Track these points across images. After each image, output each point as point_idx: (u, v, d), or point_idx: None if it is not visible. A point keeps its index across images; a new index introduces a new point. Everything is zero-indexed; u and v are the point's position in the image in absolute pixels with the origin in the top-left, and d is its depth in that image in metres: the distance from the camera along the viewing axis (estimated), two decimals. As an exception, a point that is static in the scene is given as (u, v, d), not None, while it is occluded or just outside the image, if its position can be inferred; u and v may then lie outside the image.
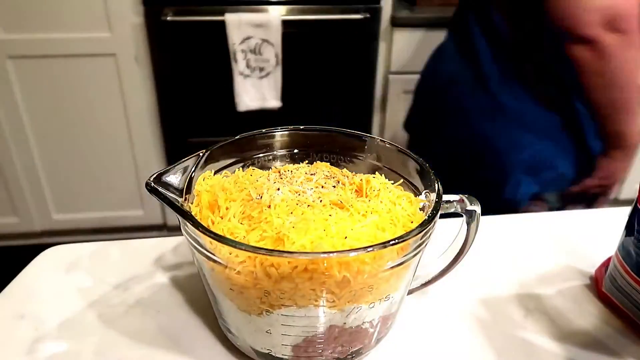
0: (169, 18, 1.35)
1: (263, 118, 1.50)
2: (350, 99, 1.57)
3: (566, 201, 0.88)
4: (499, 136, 0.85)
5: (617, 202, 1.40)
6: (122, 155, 1.59)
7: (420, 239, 0.32)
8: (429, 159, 0.39)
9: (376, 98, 1.59)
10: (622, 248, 0.41)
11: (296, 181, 0.37)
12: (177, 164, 0.36)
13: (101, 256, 0.48)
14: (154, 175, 0.35)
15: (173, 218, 1.70)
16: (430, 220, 0.32)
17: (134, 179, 1.64)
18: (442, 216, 0.35)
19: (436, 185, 0.36)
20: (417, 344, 0.40)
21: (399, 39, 1.50)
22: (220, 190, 0.36)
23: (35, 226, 1.67)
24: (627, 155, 0.81)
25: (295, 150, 0.44)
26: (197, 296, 0.43)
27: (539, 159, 0.85)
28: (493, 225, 0.54)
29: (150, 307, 0.42)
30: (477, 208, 0.37)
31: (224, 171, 0.41)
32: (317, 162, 0.43)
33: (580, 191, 0.86)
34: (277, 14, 1.39)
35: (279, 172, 0.39)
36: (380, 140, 0.42)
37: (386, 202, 0.36)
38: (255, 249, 0.29)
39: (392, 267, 0.31)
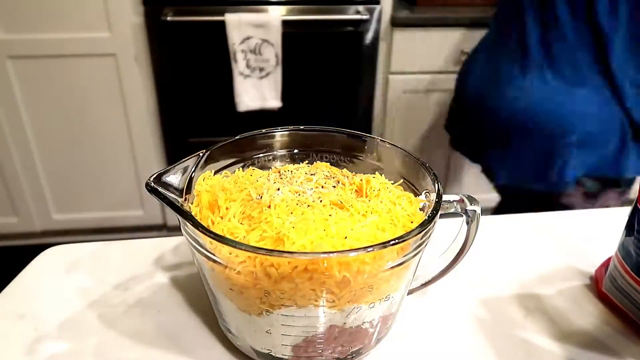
0: (169, 18, 1.35)
1: (263, 118, 1.50)
2: (350, 99, 1.57)
3: (605, 185, 0.93)
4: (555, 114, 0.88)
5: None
6: (122, 155, 1.59)
7: (420, 239, 0.32)
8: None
9: (376, 98, 1.59)
10: (622, 248, 0.41)
11: (296, 181, 0.37)
12: (177, 164, 0.36)
13: (101, 256, 0.48)
14: (154, 175, 0.35)
15: (173, 218, 1.70)
16: (430, 220, 0.32)
17: (134, 179, 1.64)
18: (442, 216, 0.36)
19: (436, 185, 0.36)
20: (417, 344, 0.40)
21: (399, 39, 1.50)
22: (220, 190, 0.36)
23: (35, 226, 1.67)
24: None
25: (295, 150, 0.44)
26: (197, 296, 0.43)
27: (590, 140, 0.88)
28: (493, 225, 0.54)
29: (150, 307, 0.42)
30: (477, 208, 0.37)
31: (224, 171, 0.41)
32: (317, 162, 0.43)
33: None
34: (277, 14, 1.39)
35: (279, 172, 0.39)
36: (380, 140, 0.42)
37: (386, 202, 0.36)
38: (255, 249, 0.29)
39: (392, 267, 0.31)
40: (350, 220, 0.33)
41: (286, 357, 0.35)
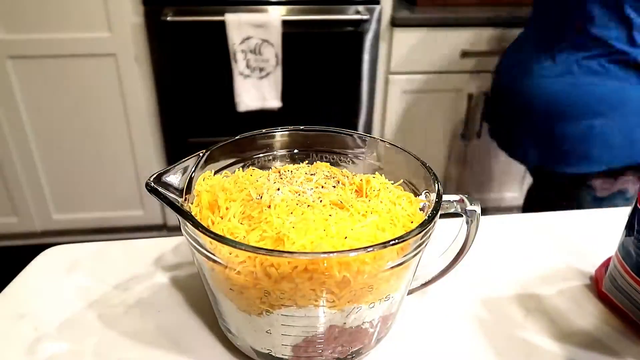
0: (169, 18, 1.35)
1: (263, 118, 1.50)
2: (350, 99, 1.57)
3: (625, 168, 0.99)
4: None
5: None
6: (122, 155, 1.59)
7: (420, 239, 0.32)
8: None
9: (376, 98, 1.59)
10: (622, 248, 0.41)
11: (296, 181, 0.37)
12: (177, 164, 0.36)
13: (101, 256, 0.48)
14: (154, 175, 0.35)
15: (173, 218, 1.70)
16: (430, 220, 0.32)
17: (134, 179, 1.64)
18: (442, 216, 0.36)
19: (436, 185, 0.36)
20: (417, 344, 0.40)
21: (399, 39, 1.50)
22: (220, 190, 0.36)
23: (35, 226, 1.67)
24: None
25: (295, 150, 0.44)
26: (197, 296, 0.43)
27: (615, 125, 0.95)
28: (493, 225, 0.54)
29: (150, 307, 0.42)
30: (477, 208, 0.37)
31: (224, 171, 0.41)
32: (317, 162, 0.43)
33: None
34: (277, 14, 1.39)
35: (279, 172, 0.39)
36: (380, 140, 0.42)
37: (386, 202, 0.36)
38: (255, 249, 0.29)
39: (392, 267, 0.31)
40: (350, 220, 0.33)
41: (286, 357, 0.35)
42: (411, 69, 1.55)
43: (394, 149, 0.41)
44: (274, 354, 0.35)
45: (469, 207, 0.37)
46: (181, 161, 0.37)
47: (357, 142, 0.43)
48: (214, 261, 0.31)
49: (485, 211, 0.39)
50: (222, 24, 1.36)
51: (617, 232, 0.42)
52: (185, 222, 0.32)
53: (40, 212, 1.64)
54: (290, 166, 0.42)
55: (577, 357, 0.38)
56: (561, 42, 0.98)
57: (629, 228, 0.40)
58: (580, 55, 0.96)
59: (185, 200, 0.35)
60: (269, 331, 0.33)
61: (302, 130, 0.43)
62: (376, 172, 0.41)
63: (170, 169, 0.36)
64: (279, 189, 0.35)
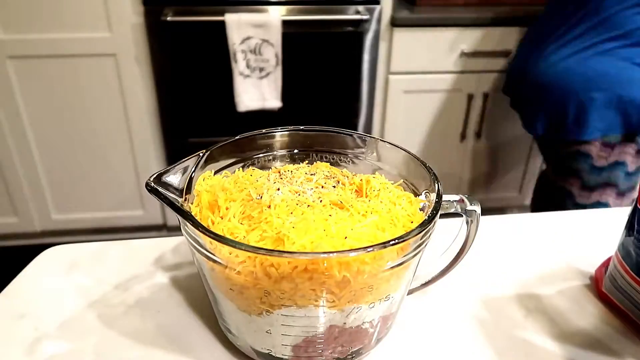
0: (169, 18, 1.35)
1: (263, 118, 1.50)
2: (350, 99, 1.57)
3: (625, 139, 1.11)
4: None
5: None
6: (122, 155, 1.59)
7: (420, 239, 0.32)
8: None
9: (376, 98, 1.59)
10: (622, 248, 0.41)
11: (296, 181, 0.37)
12: (177, 164, 0.36)
13: (101, 256, 0.48)
14: (154, 176, 0.35)
15: (173, 218, 1.70)
16: (430, 220, 0.32)
17: (134, 179, 1.64)
18: (442, 216, 0.36)
19: (436, 185, 0.36)
20: (417, 344, 0.40)
21: (399, 39, 1.50)
22: (220, 190, 0.36)
23: (35, 226, 1.67)
24: None
25: (295, 150, 0.44)
26: (197, 296, 0.43)
27: (613, 98, 1.09)
28: (493, 225, 0.54)
29: (150, 307, 0.42)
30: (477, 208, 0.37)
31: (224, 171, 0.41)
32: (317, 162, 0.43)
33: None
34: (277, 14, 1.39)
35: (279, 172, 0.39)
36: (380, 140, 0.42)
37: (386, 202, 0.36)
38: (255, 249, 0.29)
39: (392, 267, 0.31)
40: (350, 220, 0.33)
41: (286, 357, 0.35)
42: (411, 69, 1.55)
43: (394, 149, 0.41)
44: (274, 354, 0.35)
45: (469, 207, 0.37)
46: (181, 161, 0.37)
47: (357, 142, 0.43)
48: (214, 261, 0.31)
49: (485, 211, 0.39)
50: (222, 24, 1.36)
51: (617, 232, 0.42)
52: (185, 222, 0.32)
53: (40, 212, 1.64)
54: (290, 166, 0.42)
55: (577, 357, 0.38)
56: (573, 28, 1.14)
57: (629, 228, 0.40)
58: (589, 39, 1.11)
59: (185, 200, 0.35)
60: (269, 331, 0.33)
61: (302, 130, 0.43)
62: (376, 172, 0.41)
63: (170, 169, 0.36)
64: (279, 189, 0.35)
